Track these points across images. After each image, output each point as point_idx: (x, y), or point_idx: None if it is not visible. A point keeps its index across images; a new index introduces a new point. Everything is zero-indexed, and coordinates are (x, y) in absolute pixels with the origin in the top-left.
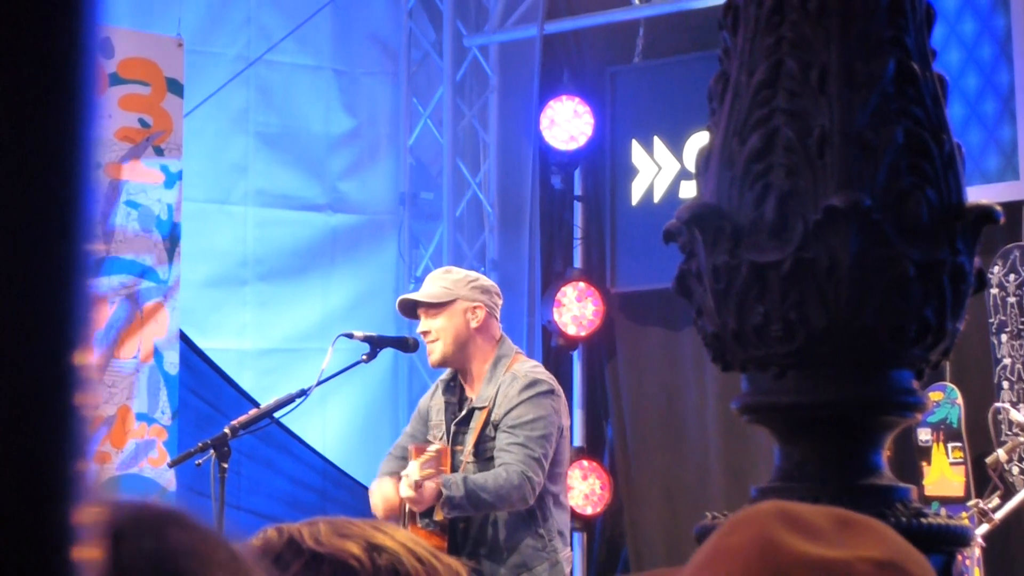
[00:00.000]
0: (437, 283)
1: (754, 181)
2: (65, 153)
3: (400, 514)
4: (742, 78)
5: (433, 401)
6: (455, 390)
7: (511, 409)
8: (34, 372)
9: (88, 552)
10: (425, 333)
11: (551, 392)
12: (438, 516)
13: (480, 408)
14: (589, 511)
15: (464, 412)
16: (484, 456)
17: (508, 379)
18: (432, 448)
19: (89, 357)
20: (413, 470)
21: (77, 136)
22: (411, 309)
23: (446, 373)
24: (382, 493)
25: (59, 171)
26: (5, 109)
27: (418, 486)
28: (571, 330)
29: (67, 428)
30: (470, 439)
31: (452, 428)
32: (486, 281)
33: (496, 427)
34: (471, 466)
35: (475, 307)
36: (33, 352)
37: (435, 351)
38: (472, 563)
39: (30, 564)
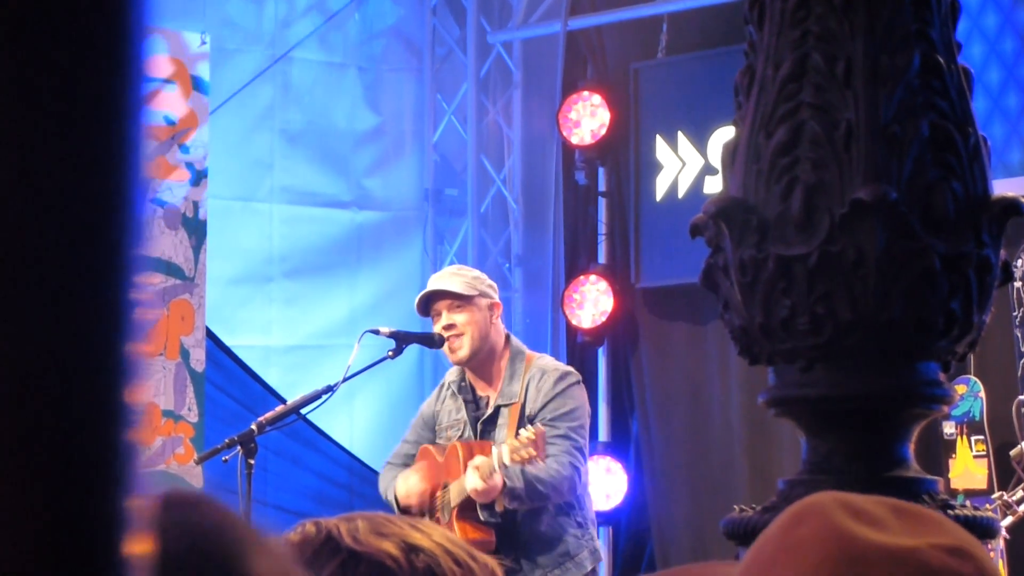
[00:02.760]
0: (457, 279)
1: (780, 175)
2: (116, 154)
3: (429, 507)
4: (768, 72)
5: (442, 405)
6: (467, 390)
7: (548, 402)
8: (84, 368)
9: (139, 545)
10: (450, 327)
11: (579, 382)
12: (499, 507)
13: (507, 405)
14: (614, 506)
15: (491, 410)
16: None
17: (537, 374)
18: (525, 433)
19: (138, 354)
20: (503, 455)
21: (127, 136)
22: (425, 306)
23: (453, 375)
24: (408, 487)
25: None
26: (57, 109)
27: (496, 471)
28: (587, 324)
29: (119, 421)
30: (505, 436)
31: (479, 427)
32: (488, 279)
33: (532, 421)
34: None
35: (494, 303)
36: (85, 347)
37: (463, 346)
38: (513, 557)
39: (82, 557)
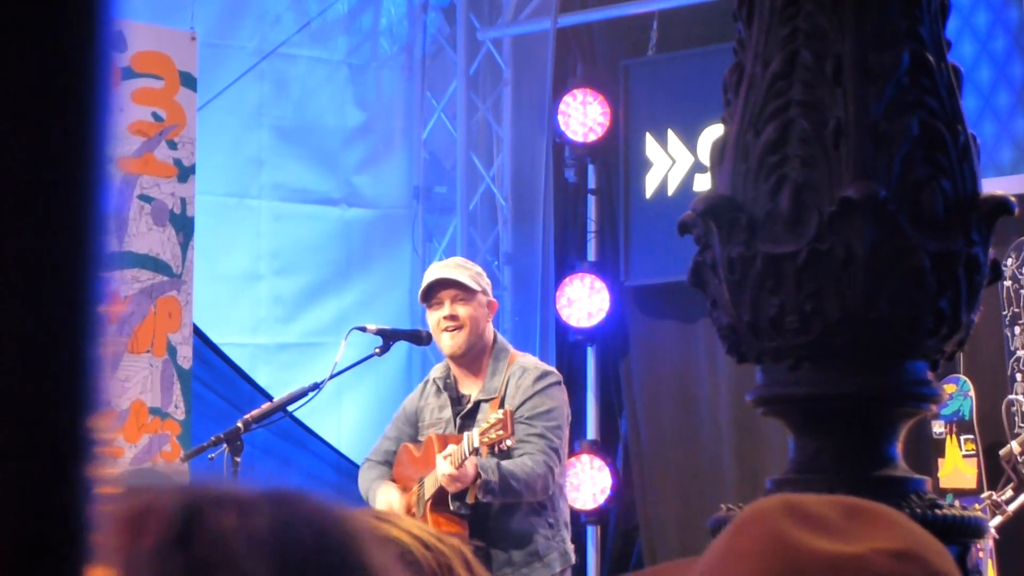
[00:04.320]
0: (464, 272)
1: (769, 173)
2: (79, 148)
3: (406, 506)
4: (757, 69)
5: (425, 402)
6: (452, 388)
7: (526, 400)
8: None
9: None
10: (452, 318)
11: (560, 383)
12: (470, 499)
13: (487, 400)
14: (603, 504)
15: (470, 405)
16: (500, 448)
17: (517, 371)
18: (494, 415)
19: (105, 351)
20: (472, 439)
21: (91, 131)
22: (428, 293)
23: (438, 372)
24: (387, 501)
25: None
26: (17, 105)
27: (468, 455)
28: (584, 323)
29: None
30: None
31: (458, 422)
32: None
33: (513, 435)
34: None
35: (492, 301)
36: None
37: (459, 338)
38: (488, 550)
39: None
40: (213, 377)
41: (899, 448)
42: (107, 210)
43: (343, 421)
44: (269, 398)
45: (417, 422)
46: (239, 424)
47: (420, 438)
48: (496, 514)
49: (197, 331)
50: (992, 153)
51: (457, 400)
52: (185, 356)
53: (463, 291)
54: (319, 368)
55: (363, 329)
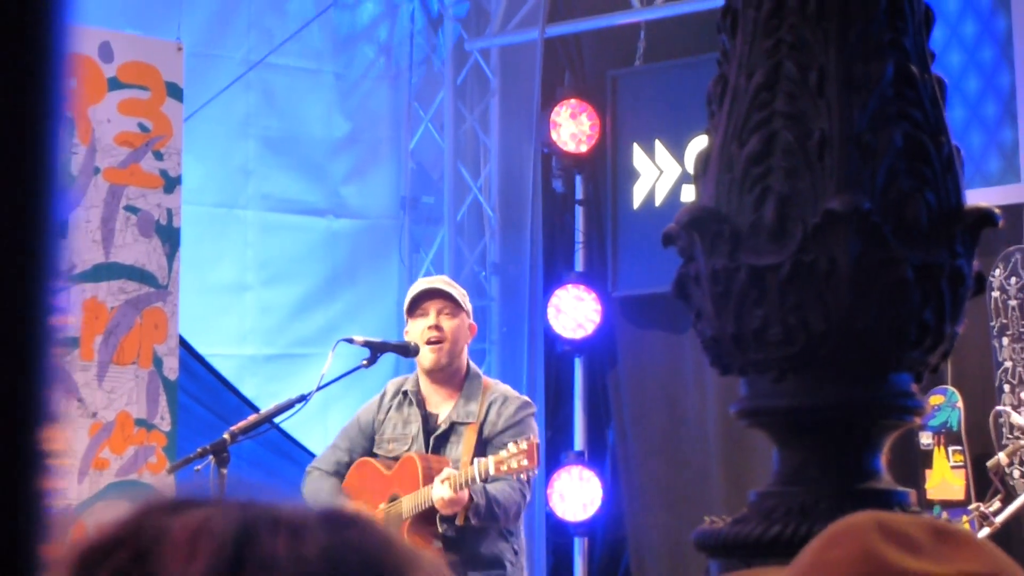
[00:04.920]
0: (453, 289)
1: (753, 184)
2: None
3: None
4: (741, 81)
5: (385, 415)
6: (423, 404)
7: (509, 427)
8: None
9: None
10: (436, 328)
11: (534, 413)
12: (459, 521)
13: (464, 423)
14: (591, 516)
15: (445, 427)
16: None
17: (499, 398)
18: (518, 444)
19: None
20: (488, 466)
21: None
22: (415, 303)
23: (407, 383)
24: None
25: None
26: None
27: (479, 480)
28: (572, 334)
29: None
30: (460, 454)
31: (432, 442)
32: None
33: (489, 442)
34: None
35: (472, 325)
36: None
37: (442, 351)
38: (459, 572)
39: None
40: (199, 388)
41: (883, 460)
42: (58, 223)
43: (330, 433)
44: (256, 409)
45: (374, 435)
46: (225, 436)
47: (377, 451)
48: (469, 538)
49: (183, 342)
50: (980, 163)
51: (425, 418)
52: (171, 367)
53: (451, 304)
54: (306, 379)
55: (350, 341)
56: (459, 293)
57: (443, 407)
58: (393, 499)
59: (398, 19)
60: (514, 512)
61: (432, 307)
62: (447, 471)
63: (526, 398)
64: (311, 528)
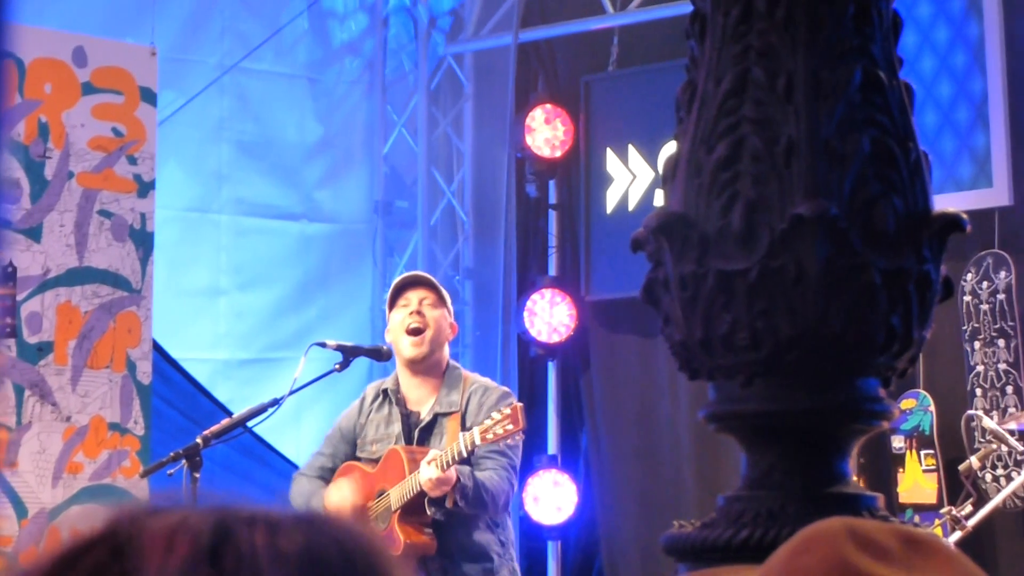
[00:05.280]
0: (436, 283)
1: (721, 190)
2: None
3: (366, 511)
4: (709, 87)
5: (367, 419)
6: (402, 401)
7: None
8: None
9: None
10: (418, 314)
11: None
12: (449, 503)
13: (446, 414)
14: (563, 520)
15: (428, 419)
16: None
17: (479, 389)
18: (505, 409)
19: None
20: (474, 436)
21: None
22: (398, 292)
23: (387, 383)
24: (341, 497)
25: None
26: None
27: (465, 454)
28: (547, 338)
29: None
30: (445, 444)
31: (417, 435)
32: None
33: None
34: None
35: (453, 324)
36: None
37: (424, 340)
38: (440, 565)
39: None
40: (173, 393)
41: (854, 464)
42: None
43: (303, 437)
44: (229, 414)
45: (355, 439)
46: (198, 440)
47: (360, 454)
48: (455, 529)
49: (157, 347)
50: (952, 169)
51: (407, 416)
52: (145, 372)
53: (433, 295)
54: (280, 384)
55: (323, 345)
56: (441, 289)
57: (424, 404)
58: (381, 494)
59: (372, 24)
60: (502, 501)
61: (415, 296)
62: (433, 452)
63: (507, 389)
64: (288, 525)
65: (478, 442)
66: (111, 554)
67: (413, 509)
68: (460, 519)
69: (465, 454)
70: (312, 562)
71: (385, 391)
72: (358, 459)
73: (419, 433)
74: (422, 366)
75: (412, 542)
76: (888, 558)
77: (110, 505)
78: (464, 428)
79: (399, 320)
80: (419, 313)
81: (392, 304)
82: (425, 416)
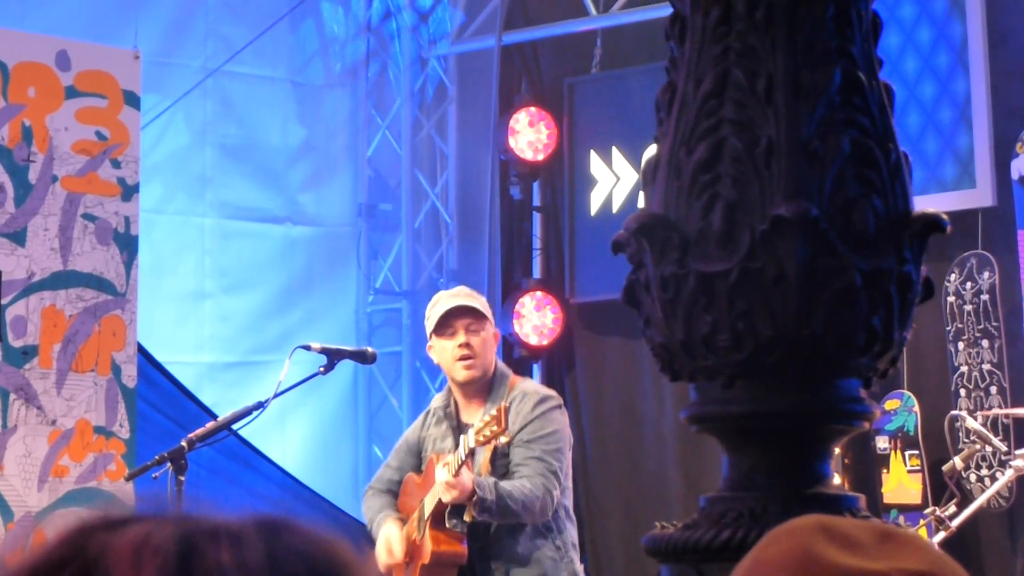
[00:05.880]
0: (476, 300)
1: (701, 191)
2: None
3: (411, 532)
4: (689, 88)
5: (428, 432)
6: (452, 416)
7: (526, 424)
8: None
9: None
10: (466, 346)
11: (560, 407)
12: (468, 517)
13: None
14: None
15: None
16: (499, 472)
17: (518, 396)
18: (492, 411)
19: None
20: (468, 440)
21: None
22: (444, 320)
23: (438, 401)
24: (386, 538)
25: None
26: None
27: (469, 458)
28: (532, 340)
29: None
30: (483, 456)
31: (461, 438)
32: None
33: (510, 444)
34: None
35: (497, 331)
36: None
37: (475, 367)
38: (492, 573)
39: None
40: (158, 396)
41: (834, 465)
42: None
43: (288, 440)
44: (214, 417)
45: (420, 452)
46: (183, 443)
47: (423, 467)
48: (501, 536)
49: (142, 350)
50: (935, 169)
51: (459, 429)
52: (130, 375)
53: (476, 320)
54: (265, 387)
55: (307, 348)
56: (481, 304)
57: (475, 415)
58: (422, 502)
59: (356, 27)
60: (538, 507)
61: (460, 325)
62: (448, 456)
63: (548, 392)
64: (251, 536)
65: (472, 445)
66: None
67: (441, 516)
68: (505, 527)
69: (464, 456)
70: (280, 572)
71: (438, 409)
72: (421, 472)
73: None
74: (473, 387)
75: (441, 551)
76: (856, 549)
77: (93, 507)
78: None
79: (448, 349)
80: (467, 345)
81: (438, 330)
82: (471, 430)
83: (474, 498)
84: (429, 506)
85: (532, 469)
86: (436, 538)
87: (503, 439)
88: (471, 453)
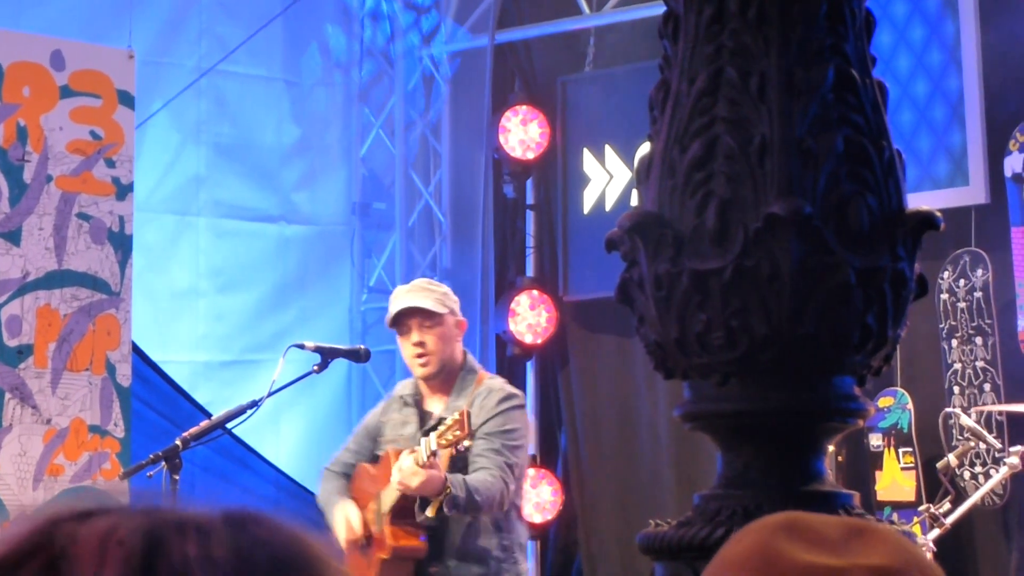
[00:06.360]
0: (430, 295)
1: (695, 189)
2: None
3: (368, 523)
4: (682, 86)
5: (387, 417)
6: (419, 403)
7: (489, 419)
8: None
9: None
10: (420, 344)
11: (523, 406)
12: (431, 512)
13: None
14: (543, 519)
15: (433, 423)
16: (457, 466)
17: (484, 391)
18: (451, 417)
19: None
20: (430, 443)
21: None
22: (395, 320)
23: (407, 388)
24: (345, 515)
25: None
26: None
27: (432, 456)
28: (527, 339)
29: None
30: (442, 456)
31: (421, 439)
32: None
33: (472, 437)
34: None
35: (460, 321)
36: None
37: (430, 364)
38: (441, 568)
39: None
40: (153, 395)
41: (828, 462)
42: None
43: (282, 438)
44: (208, 416)
45: (377, 436)
46: (178, 442)
47: (378, 452)
48: (452, 531)
49: (136, 349)
50: (928, 167)
51: (423, 417)
52: (124, 374)
53: (429, 317)
54: (259, 385)
55: (301, 346)
56: (436, 297)
57: (439, 405)
58: (377, 497)
59: (349, 26)
60: (498, 500)
61: (413, 323)
62: (405, 453)
63: (513, 390)
64: (217, 530)
65: (433, 447)
66: (45, 568)
67: (404, 512)
68: (457, 522)
69: (424, 459)
70: (243, 568)
71: (401, 396)
72: (375, 462)
73: (423, 437)
74: (435, 380)
75: (401, 546)
76: (820, 546)
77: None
78: (469, 432)
79: (404, 348)
80: (420, 343)
81: (394, 328)
82: (433, 420)
83: (446, 492)
84: (388, 501)
85: (491, 461)
86: (395, 533)
87: (466, 443)
88: (432, 454)
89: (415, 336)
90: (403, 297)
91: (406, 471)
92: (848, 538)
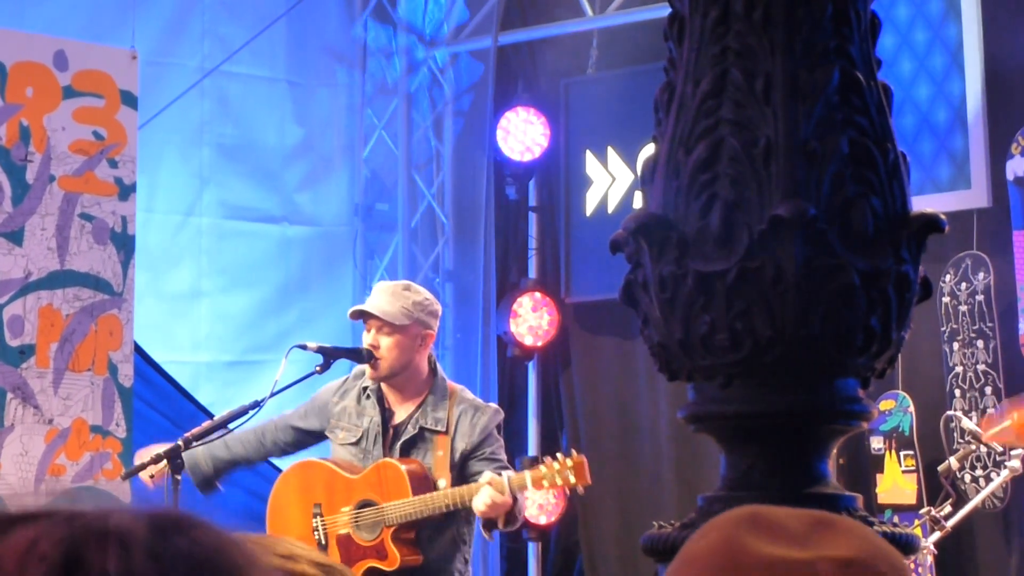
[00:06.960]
0: (397, 302)
1: (700, 191)
2: None
3: (327, 524)
4: (687, 88)
5: (342, 400)
6: (383, 400)
7: (486, 438)
8: None
9: None
10: (374, 347)
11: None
12: (501, 526)
13: (434, 432)
14: (544, 521)
15: (414, 431)
16: (456, 483)
17: (469, 408)
18: (568, 461)
19: None
20: (525, 480)
21: None
22: (357, 315)
23: (367, 381)
24: (303, 490)
25: None
26: None
27: (523, 490)
28: (528, 340)
29: None
30: (433, 463)
31: (399, 447)
32: (437, 304)
33: (468, 456)
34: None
35: (427, 334)
36: None
37: (381, 368)
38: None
39: None
40: (154, 395)
41: (830, 465)
42: None
43: None
44: (210, 416)
45: (329, 416)
46: (179, 442)
47: (328, 434)
48: (422, 545)
49: (138, 349)
50: (930, 170)
51: (385, 417)
52: (126, 374)
53: (386, 324)
54: (262, 386)
55: (303, 347)
56: (403, 306)
57: (402, 408)
58: (365, 504)
59: (352, 28)
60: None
61: (372, 324)
62: (487, 474)
63: (494, 406)
64: (139, 538)
65: (530, 487)
66: None
67: (408, 527)
68: (427, 534)
69: (507, 493)
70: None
71: (366, 387)
72: (323, 436)
73: (402, 445)
74: (393, 382)
75: (406, 560)
76: (783, 539)
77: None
78: (453, 447)
79: (366, 343)
80: (373, 346)
81: (357, 319)
82: (409, 428)
83: (516, 507)
84: (400, 516)
85: (498, 468)
86: (401, 549)
87: (580, 490)
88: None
89: (370, 337)
90: (371, 296)
91: (480, 504)
92: (813, 530)
